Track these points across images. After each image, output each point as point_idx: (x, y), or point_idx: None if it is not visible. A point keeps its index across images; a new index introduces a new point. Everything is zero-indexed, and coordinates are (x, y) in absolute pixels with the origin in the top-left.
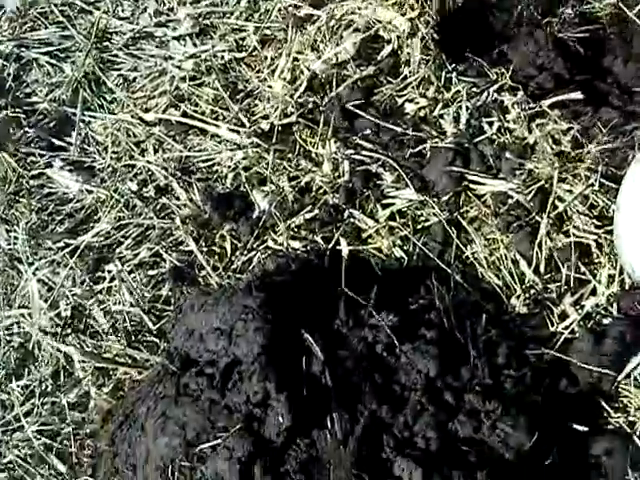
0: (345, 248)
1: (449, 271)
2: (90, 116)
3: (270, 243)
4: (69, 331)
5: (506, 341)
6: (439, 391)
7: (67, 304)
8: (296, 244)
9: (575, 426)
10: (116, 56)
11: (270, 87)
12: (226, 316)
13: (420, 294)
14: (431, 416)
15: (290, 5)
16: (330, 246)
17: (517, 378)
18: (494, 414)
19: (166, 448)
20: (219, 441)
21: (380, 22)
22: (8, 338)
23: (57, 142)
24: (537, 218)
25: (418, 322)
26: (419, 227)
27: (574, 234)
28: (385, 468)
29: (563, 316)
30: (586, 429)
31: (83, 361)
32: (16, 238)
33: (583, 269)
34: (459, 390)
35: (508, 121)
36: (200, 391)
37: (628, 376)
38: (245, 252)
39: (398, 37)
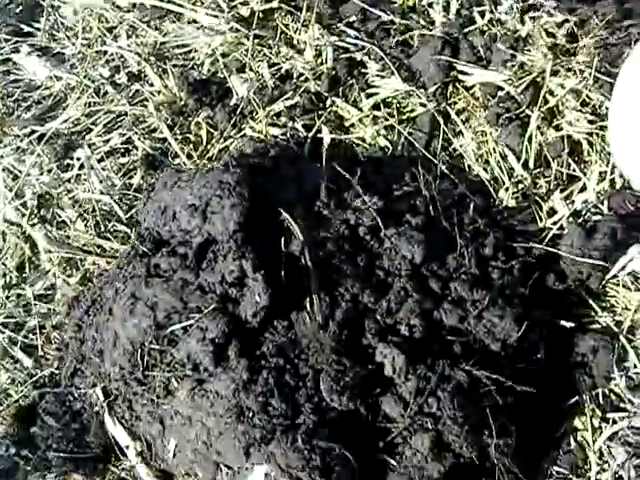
0: (327, 136)
1: (435, 161)
2: (60, 0)
3: (248, 131)
4: (35, 221)
5: (494, 232)
6: (424, 278)
7: (33, 193)
8: (276, 131)
9: (562, 322)
10: None
11: None
12: (201, 192)
13: (405, 181)
14: (415, 303)
15: None
16: (311, 134)
17: (505, 270)
18: (481, 304)
19: (135, 330)
20: (191, 322)
21: None
22: None
23: (25, 28)
24: (527, 112)
25: (403, 208)
26: (404, 117)
27: (565, 129)
28: (367, 354)
29: (552, 212)
30: (573, 325)
31: (49, 251)
32: None
33: (573, 166)
34: (445, 278)
35: (500, 12)
36: (172, 271)
37: (616, 275)
38: (222, 140)
39: None
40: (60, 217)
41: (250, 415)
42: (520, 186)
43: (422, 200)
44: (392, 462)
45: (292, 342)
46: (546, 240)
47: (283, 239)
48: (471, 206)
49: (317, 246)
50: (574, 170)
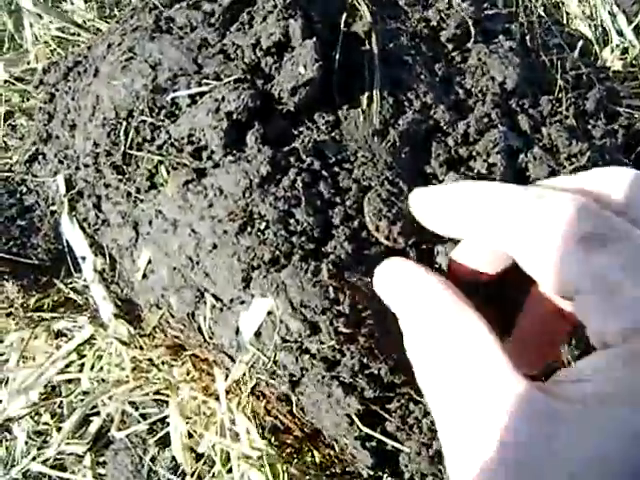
0: None
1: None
2: None
3: None
4: None
5: (599, 85)
6: (513, 112)
7: None
8: None
9: None
10: None
11: None
12: None
13: (497, 7)
14: (501, 136)
15: None
16: None
17: (607, 131)
18: (578, 160)
19: (124, 92)
20: (205, 88)
21: None
22: None
23: None
24: None
25: (495, 29)
26: None
27: None
28: (428, 184)
29: None
30: None
31: (38, 25)
32: None
33: None
34: (537, 121)
35: None
36: (190, 28)
37: None
38: None
39: None
40: None
41: (262, 226)
42: (628, 54)
43: (518, 26)
44: None
45: (336, 144)
46: None
47: (345, 15)
48: (578, 48)
49: (387, 36)
50: None
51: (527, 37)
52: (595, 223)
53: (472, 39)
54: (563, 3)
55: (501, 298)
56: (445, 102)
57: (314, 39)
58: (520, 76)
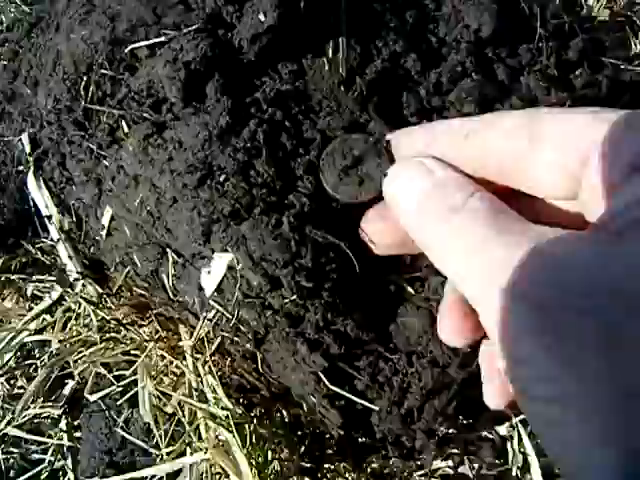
0: None
1: None
2: None
3: None
4: None
5: (583, 35)
6: (489, 61)
7: None
8: None
9: None
10: None
11: None
12: None
13: None
14: (475, 85)
15: None
16: None
17: (590, 81)
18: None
19: (83, 45)
20: (163, 39)
21: None
22: None
23: None
24: None
25: None
26: None
27: None
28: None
29: None
30: None
31: None
32: None
33: None
34: (515, 70)
35: None
36: None
37: None
38: None
39: None
40: None
41: (221, 178)
42: (614, 3)
43: None
44: (410, 290)
45: (299, 93)
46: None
47: None
48: None
49: None
50: None
51: None
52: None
53: None
54: None
55: None
56: (416, 50)
57: None
58: (497, 23)
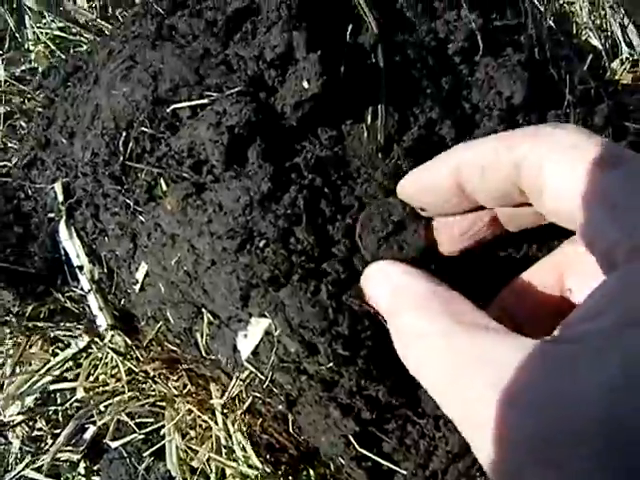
0: None
1: (541, 9)
2: None
3: None
4: None
5: (608, 100)
6: (519, 127)
7: None
8: None
9: None
10: None
11: None
12: None
13: (506, 17)
14: None
15: None
16: None
17: None
18: None
19: (124, 102)
20: (206, 101)
21: None
22: None
23: None
24: None
25: (503, 41)
26: None
27: None
28: None
29: None
30: None
31: (39, 25)
32: None
33: None
34: None
35: None
36: (192, 36)
37: None
38: None
39: None
40: None
41: (261, 244)
42: (638, 67)
43: (527, 38)
44: None
45: (338, 160)
46: None
47: (350, 26)
48: (587, 61)
49: (393, 48)
50: None
51: (536, 49)
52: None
53: (480, 52)
54: (573, 14)
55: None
56: (451, 117)
57: (318, 52)
58: (528, 91)
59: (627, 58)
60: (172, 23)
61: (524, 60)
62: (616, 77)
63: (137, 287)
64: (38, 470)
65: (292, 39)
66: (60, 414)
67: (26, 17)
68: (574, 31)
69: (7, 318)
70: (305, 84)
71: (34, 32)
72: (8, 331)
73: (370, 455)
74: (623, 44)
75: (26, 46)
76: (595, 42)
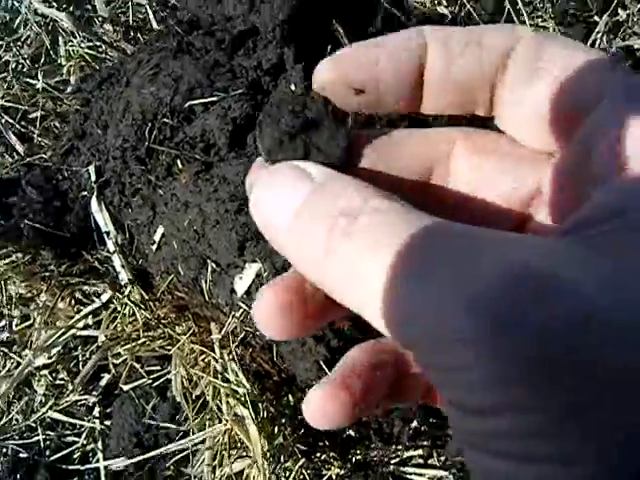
0: None
1: None
2: None
3: None
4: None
5: None
6: None
7: None
8: None
9: None
10: None
11: None
12: None
13: None
14: None
15: None
16: None
17: None
18: None
19: (151, 99)
20: (215, 98)
21: None
22: None
23: None
24: (596, 18)
25: None
26: None
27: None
28: None
29: None
30: None
31: (71, 43)
32: None
33: None
34: None
35: None
36: (205, 51)
37: None
38: None
39: None
40: (90, 11)
41: None
42: None
43: None
44: None
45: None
46: None
47: (329, 46)
48: None
49: None
50: None
51: None
52: None
53: None
54: None
55: None
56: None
57: (303, 63)
58: None
59: None
60: (190, 40)
61: None
62: None
63: (154, 247)
64: (60, 412)
65: (283, 54)
66: (80, 364)
67: (59, 37)
68: None
69: (46, 274)
70: (292, 87)
71: (66, 49)
72: (45, 287)
73: None
74: None
75: (59, 61)
76: None
